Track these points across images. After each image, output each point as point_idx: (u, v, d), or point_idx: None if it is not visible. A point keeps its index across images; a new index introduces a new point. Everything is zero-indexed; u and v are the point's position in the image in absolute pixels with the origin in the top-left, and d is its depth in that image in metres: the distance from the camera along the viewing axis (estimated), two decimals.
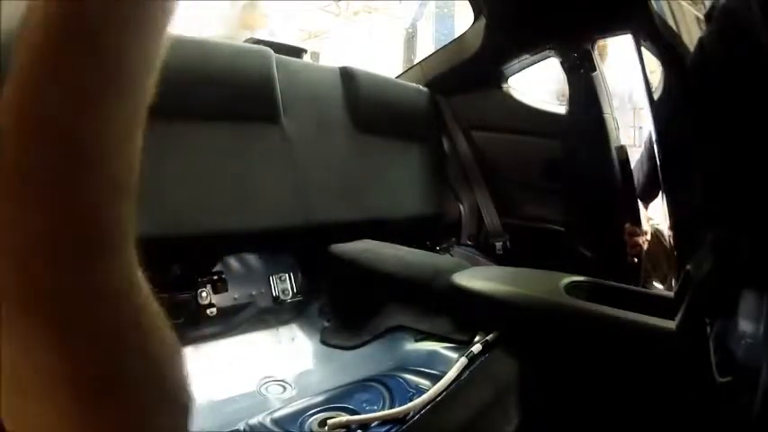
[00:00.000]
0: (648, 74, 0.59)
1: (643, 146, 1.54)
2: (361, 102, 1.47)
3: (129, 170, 0.20)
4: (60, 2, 0.18)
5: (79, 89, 0.18)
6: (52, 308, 0.18)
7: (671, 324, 0.64)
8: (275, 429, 0.73)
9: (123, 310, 0.20)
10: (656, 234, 1.40)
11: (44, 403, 0.19)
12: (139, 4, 0.19)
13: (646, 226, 1.37)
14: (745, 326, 0.40)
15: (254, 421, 0.75)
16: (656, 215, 1.46)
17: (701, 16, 0.46)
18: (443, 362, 0.92)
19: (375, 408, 0.78)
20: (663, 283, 1.42)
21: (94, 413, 0.19)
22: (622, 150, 1.44)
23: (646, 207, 1.45)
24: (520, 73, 1.67)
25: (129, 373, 0.20)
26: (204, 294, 1.09)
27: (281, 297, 1.22)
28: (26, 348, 0.18)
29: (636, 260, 1.37)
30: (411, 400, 0.74)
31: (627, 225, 1.39)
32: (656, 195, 1.41)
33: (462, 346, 0.93)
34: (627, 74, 1.65)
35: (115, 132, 0.19)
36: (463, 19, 1.95)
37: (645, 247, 1.36)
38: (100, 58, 0.18)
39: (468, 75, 1.68)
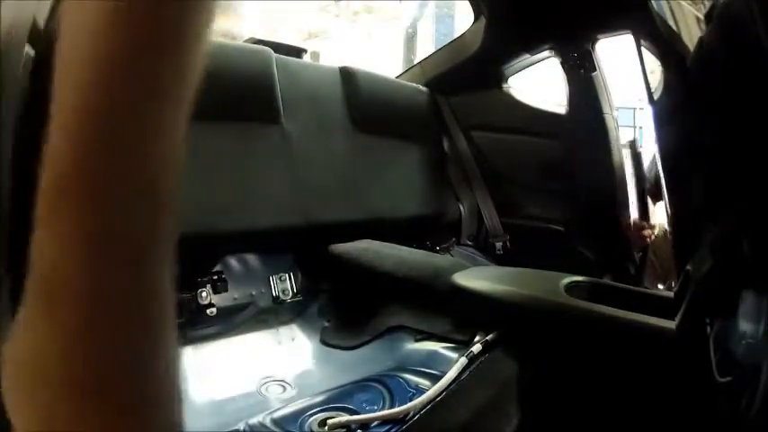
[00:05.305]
0: (648, 74, 0.59)
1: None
2: (361, 102, 1.46)
3: None
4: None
5: None
6: None
7: (671, 324, 0.64)
8: (275, 429, 0.73)
9: None
10: (667, 233, 1.40)
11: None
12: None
13: (653, 220, 1.38)
14: (745, 326, 0.40)
15: (254, 421, 0.74)
16: (658, 217, 1.46)
17: (701, 16, 0.46)
18: (443, 362, 0.92)
19: (375, 408, 0.78)
20: (665, 282, 1.42)
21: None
22: (621, 150, 1.45)
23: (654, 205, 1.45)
24: (520, 73, 1.68)
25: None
26: (204, 294, 1.08)
27: (281, 297, 1.21)
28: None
29: (640, 253, 1.38)
30: (411, 400, 0.74)
31: (635, 218, 1.39)
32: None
33: (462, 346, 0.93)
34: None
35: None
36: (463, 19, 1.95)
37: (651, 240, 1.36)
38: None
39: (468, 75, 1.68)
